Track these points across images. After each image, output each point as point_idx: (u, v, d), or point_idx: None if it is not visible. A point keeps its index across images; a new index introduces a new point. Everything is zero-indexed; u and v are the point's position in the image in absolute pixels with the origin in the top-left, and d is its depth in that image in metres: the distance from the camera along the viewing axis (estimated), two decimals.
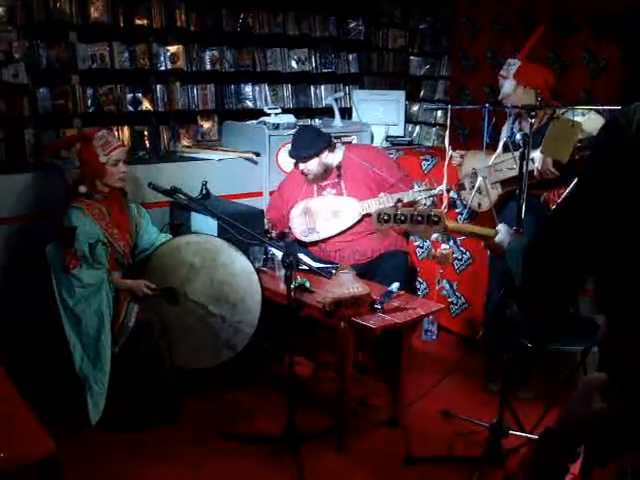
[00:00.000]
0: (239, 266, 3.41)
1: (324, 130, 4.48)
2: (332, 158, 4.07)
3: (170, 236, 3.64)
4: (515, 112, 3.61)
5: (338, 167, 4.09)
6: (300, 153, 4.04)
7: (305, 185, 4.15)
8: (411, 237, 4.65)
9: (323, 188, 4.12)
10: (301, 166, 4.06)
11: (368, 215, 4.01)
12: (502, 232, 2.26)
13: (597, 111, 3.47)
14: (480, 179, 3.58)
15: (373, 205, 3.98)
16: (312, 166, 4.02)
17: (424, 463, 3.06)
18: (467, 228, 2.50)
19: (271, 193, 4.52)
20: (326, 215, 4.05)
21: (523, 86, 3.62)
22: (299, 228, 4.10)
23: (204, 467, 3.02)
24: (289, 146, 4.18)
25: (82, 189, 3.34)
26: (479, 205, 3.84)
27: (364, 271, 3.83)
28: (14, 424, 2.17)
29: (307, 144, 4.00)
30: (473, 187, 3.84)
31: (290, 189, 4.23)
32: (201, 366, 3.44)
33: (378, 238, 4.05)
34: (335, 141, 4.28)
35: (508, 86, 3.65)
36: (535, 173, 3.40)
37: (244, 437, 3.24)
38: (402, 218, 2.31)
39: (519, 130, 3.57)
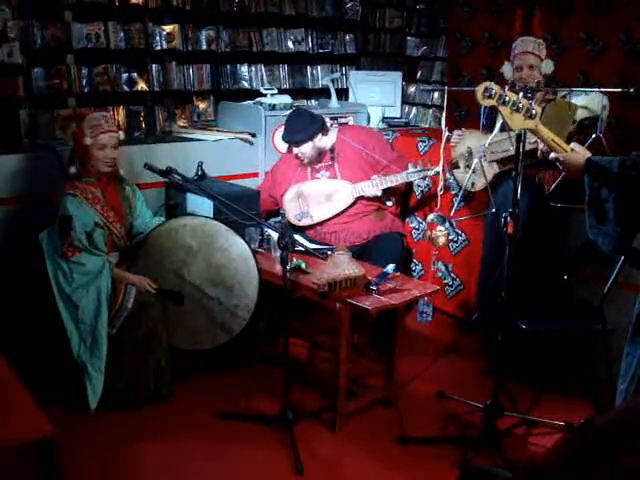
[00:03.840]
0: (236, 250, 3.41)
1: (320, 111, 4.48)
2: (326, 141, 4.06)
3: (164, 219, 3.63)
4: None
5: (332, 149, 4.09)
6: (294, 137, 4.01)
7: (299, 168, 4.14)
8: (407, 219, 4.66)
9: (317, 170, 4.11)
10: (295, 150, 4.05)
11: (361, 198, 4.02)
12: (578, 148, 2.44)
13: (585, 94, 3.48)
14: (476, 159, 3.58)
15: (366, 188, 3.98)
16: (306, 150, 4.01)
17: (418, 443, 3.08)
18: (549, 134, 2.52)
19: (267, 174, 4.52)
20: (319, 199, 4.05)
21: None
22: (292, 212, 4.10)
23: (200, 446, 3.05)
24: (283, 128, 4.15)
25: (72, 170, 3.32)
26: (472, 184, 3.85)
27: (360, 253, 3.84)
28: (12, 407, 2.18)
29: (300, 128, 3.98)
30: (467, 166, 3.85)
31: (283, 172, 4.22)
32: (198, 348, 3.45)
33: (374, 220, 4.05)
34: (331, 122, 4.27)
35: (548, 66, 3.63)
36: (538, 154, 3.41)
37: (240, 417, 3.26)
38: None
39: None
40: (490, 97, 2.50)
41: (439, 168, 3.76)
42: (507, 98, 2.48)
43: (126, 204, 3.51)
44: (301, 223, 4.10)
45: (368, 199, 4.02)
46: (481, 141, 3.71)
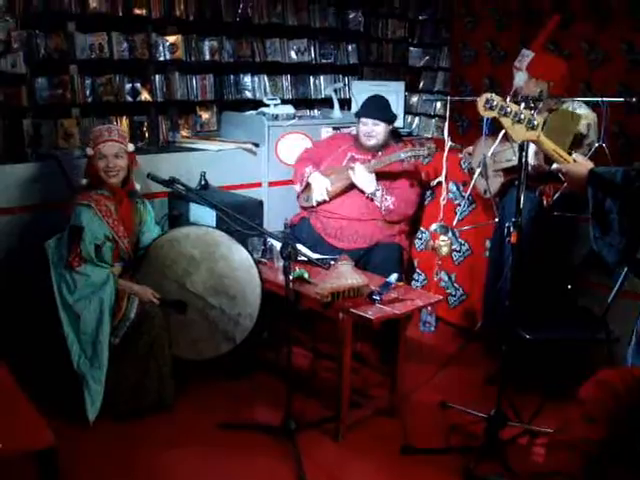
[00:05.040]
0: (239, 259, 3.41)
1: (322, 122, 4.52)
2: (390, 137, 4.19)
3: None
4: None
5: (381, 149, 4.16)
6: (383, 114, 4.11)
7: (338, 151, 4.22)
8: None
9: (354, 161, 4.15)
10: (369, 128, 4.10)
11: (367, 196, 4.05)
12: (580, 159, 2.43)
13: (587, 104, 3.47)
14: (479, 168, 3.59)
15: (359, 169, 4.02)
16: (381, 130, 4.10)
17: (421, 453, 3.07)
18: (551, 145, 2.51)
19: (270, 184, 4.54)
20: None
21: (535, 78, 3.58)
22: (303, 194, 4.22)
23: (203, 456, 3.03)
24: (290, 136, 4.18)
25: (82, 181, 3.37)
26: (485, 192, 3.84)
27: (359, 257, 3.84)
28: (14, 416, 2.18)
29: (386, 108, 4.12)
30: (482, 173, 3.86)
31: (325, 150, 4.31)
32: (200, 357, 3.45)
33: (380, 226, 4.04)
34: None
35: (520, 78, 3.61)
36: (529, 168, 3.41)
37: (243, 426, 3.25)
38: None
39: None
40: (491, 109, 2.49)
41: (441, 178, 3.76)
42: (508, 109, 2.47)
43: (137, 219, 3.51)
44: (305, 204, 4.19)
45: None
46: (488, 149, 3.72)
